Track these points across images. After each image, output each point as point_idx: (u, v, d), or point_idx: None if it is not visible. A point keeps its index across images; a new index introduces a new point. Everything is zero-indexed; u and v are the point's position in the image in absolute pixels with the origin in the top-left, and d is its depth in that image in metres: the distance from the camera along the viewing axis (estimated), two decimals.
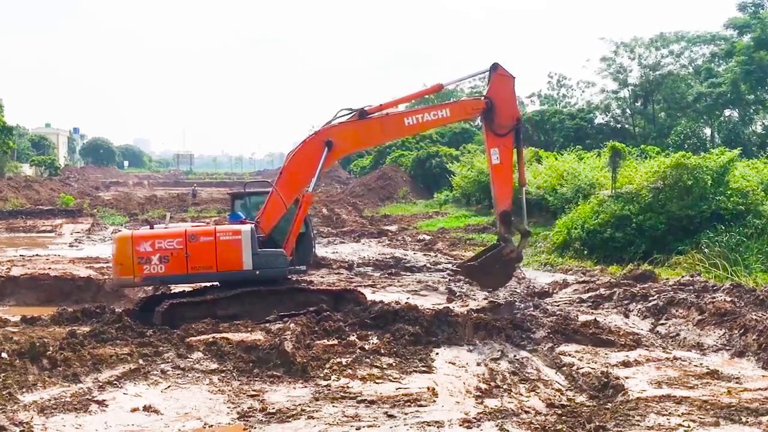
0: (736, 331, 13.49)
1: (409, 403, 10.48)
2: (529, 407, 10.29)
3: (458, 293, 19.05)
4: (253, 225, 16.02)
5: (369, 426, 9.67)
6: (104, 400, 10.54)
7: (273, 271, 16.05)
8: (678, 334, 14.38)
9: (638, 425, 9.47)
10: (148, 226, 16.62)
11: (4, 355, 11.60)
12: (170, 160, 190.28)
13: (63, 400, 10.45)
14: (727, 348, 13.22)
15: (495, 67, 16.88)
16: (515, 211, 17.23)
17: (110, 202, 53.94)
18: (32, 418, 9.75)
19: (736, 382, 11.34)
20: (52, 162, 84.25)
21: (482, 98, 17.17)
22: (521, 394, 10.92)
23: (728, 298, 15.17)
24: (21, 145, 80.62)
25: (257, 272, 15.78)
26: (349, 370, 11.96)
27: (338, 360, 12.44)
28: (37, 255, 25.47)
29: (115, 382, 11.31)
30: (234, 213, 17.23)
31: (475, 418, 9.89)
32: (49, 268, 20.97)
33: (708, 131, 61.76)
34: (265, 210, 16.45)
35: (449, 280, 20.90)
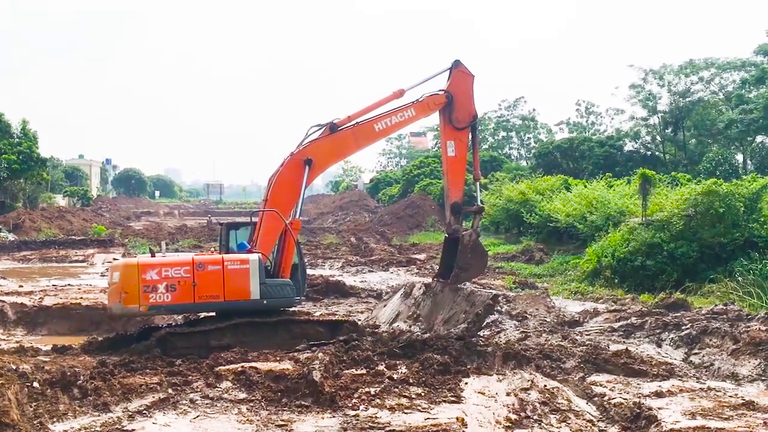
0: None
1: None
2: None
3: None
4: (260, 254, 15.92)
5: None
6: (134, 430, 10.59)
7: (280, 301, 16.00)
8: (712, 364, 14.14)
9: None
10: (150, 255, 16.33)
11: (35, 384, 11.73)
12: (200, 190, 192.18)
13: (93, 429, 10.52)
14: (763, 378, 12.98)
15: (456, 64, 17.94)
16: (467, 202, 19.23)
17: (141, 232, 54.48)
18: None
19: None
20: (84, 192, 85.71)
21: (442, 92, 17.84)
22: (552, 425, 10.78)
23: (763, 327, 14.90)
24: (55, 176, 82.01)
25: (264, 302, 15.72)
26: (378, 400, 11.90)
27: (366, 390, 12.39)
28: (69, 284, 25.77)
29: (144, 411, 11.36)
30: (242, 243, 17.00)
31: None
32: (81, 298, 21.23)
33: (740, 158, 61.08)
34: (258, 236, 16.29)
35: None
